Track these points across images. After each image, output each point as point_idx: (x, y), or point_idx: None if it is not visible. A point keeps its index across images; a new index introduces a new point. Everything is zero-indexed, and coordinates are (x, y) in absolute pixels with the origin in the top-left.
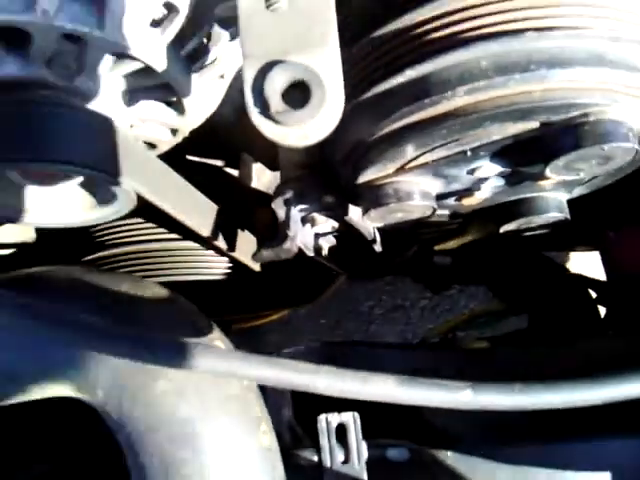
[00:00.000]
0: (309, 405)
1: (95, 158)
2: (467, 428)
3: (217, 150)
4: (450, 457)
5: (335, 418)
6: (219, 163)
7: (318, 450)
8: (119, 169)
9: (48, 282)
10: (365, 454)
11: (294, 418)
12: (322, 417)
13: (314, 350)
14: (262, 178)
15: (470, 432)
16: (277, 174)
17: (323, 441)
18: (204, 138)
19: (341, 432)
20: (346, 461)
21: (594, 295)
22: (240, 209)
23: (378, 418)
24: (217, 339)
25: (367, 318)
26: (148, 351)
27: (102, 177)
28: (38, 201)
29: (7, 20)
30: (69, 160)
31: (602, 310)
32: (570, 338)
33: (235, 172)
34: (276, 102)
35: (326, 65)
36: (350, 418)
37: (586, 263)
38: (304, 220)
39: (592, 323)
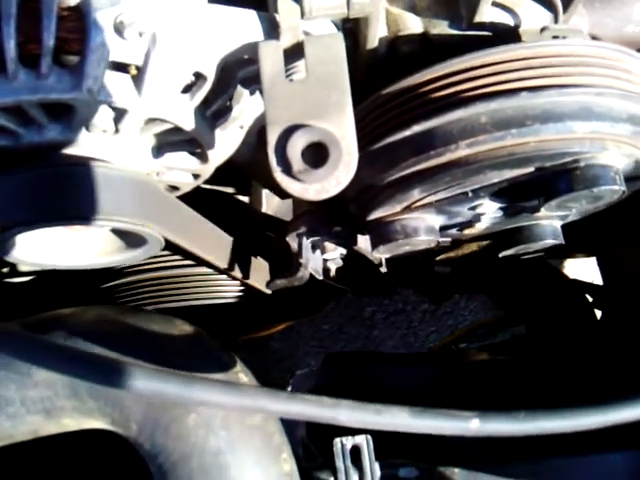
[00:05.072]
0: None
1: (125, 210)
2: (474, 444)
3: (230, 179)
4: (457, 473)
5: (349, 441)
6: (231, 190)
7: (334, 471)
8: (148, 218)
9: (78, 323)
10: (378, 474)
11: (307, 436)
12: (337, 440)
13: (324, 371)
14: (271, 203)
15: (477, 448)
16: (286, 200)
17: (339, 463)
18: (219, 170)
19: (355, 454)
20: None
21: (590, 299)
22: (253, 236)
23: (389, 437)
24: (240, 372)
25: (369, 323)
26: (187, 390)
27: (133, 227)
28: (70, 244)
29: (56, 98)
30: (99, 216)
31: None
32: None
33: (245, 198)
34: (297, 162)
35: (342, 128)
36: (363, 441)
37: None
38: (314, 246)
39: (589, 327)
